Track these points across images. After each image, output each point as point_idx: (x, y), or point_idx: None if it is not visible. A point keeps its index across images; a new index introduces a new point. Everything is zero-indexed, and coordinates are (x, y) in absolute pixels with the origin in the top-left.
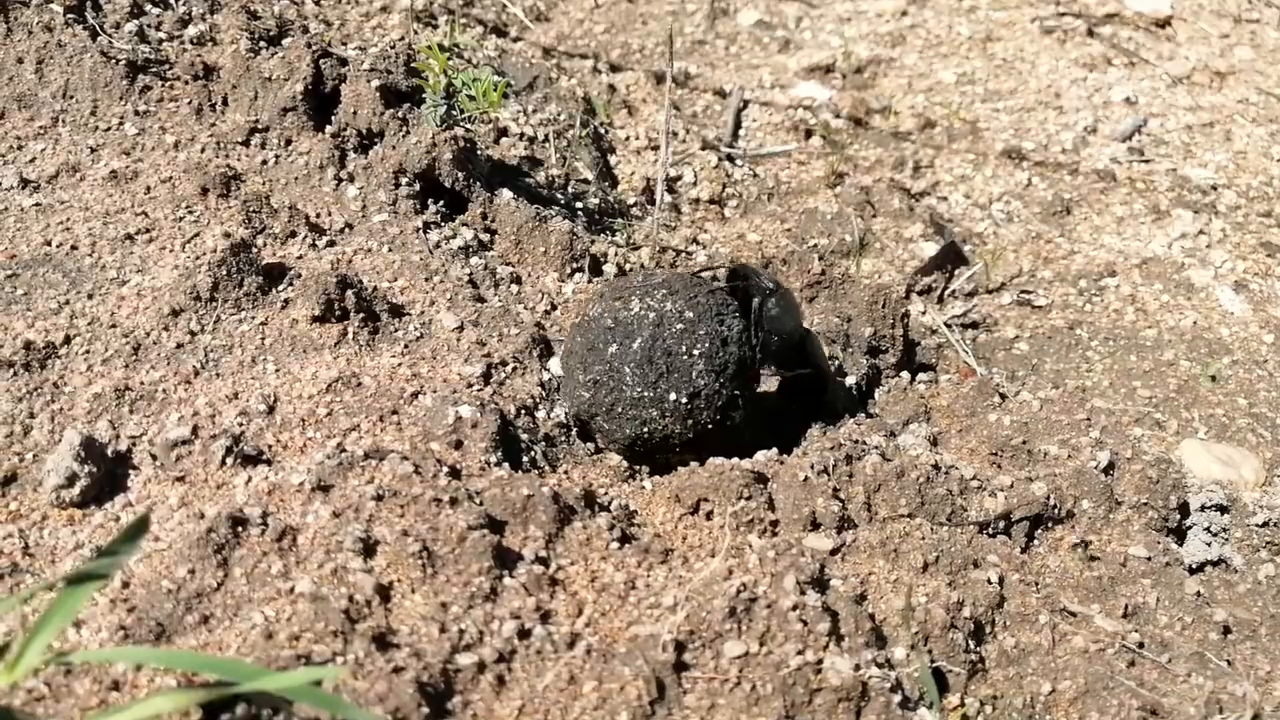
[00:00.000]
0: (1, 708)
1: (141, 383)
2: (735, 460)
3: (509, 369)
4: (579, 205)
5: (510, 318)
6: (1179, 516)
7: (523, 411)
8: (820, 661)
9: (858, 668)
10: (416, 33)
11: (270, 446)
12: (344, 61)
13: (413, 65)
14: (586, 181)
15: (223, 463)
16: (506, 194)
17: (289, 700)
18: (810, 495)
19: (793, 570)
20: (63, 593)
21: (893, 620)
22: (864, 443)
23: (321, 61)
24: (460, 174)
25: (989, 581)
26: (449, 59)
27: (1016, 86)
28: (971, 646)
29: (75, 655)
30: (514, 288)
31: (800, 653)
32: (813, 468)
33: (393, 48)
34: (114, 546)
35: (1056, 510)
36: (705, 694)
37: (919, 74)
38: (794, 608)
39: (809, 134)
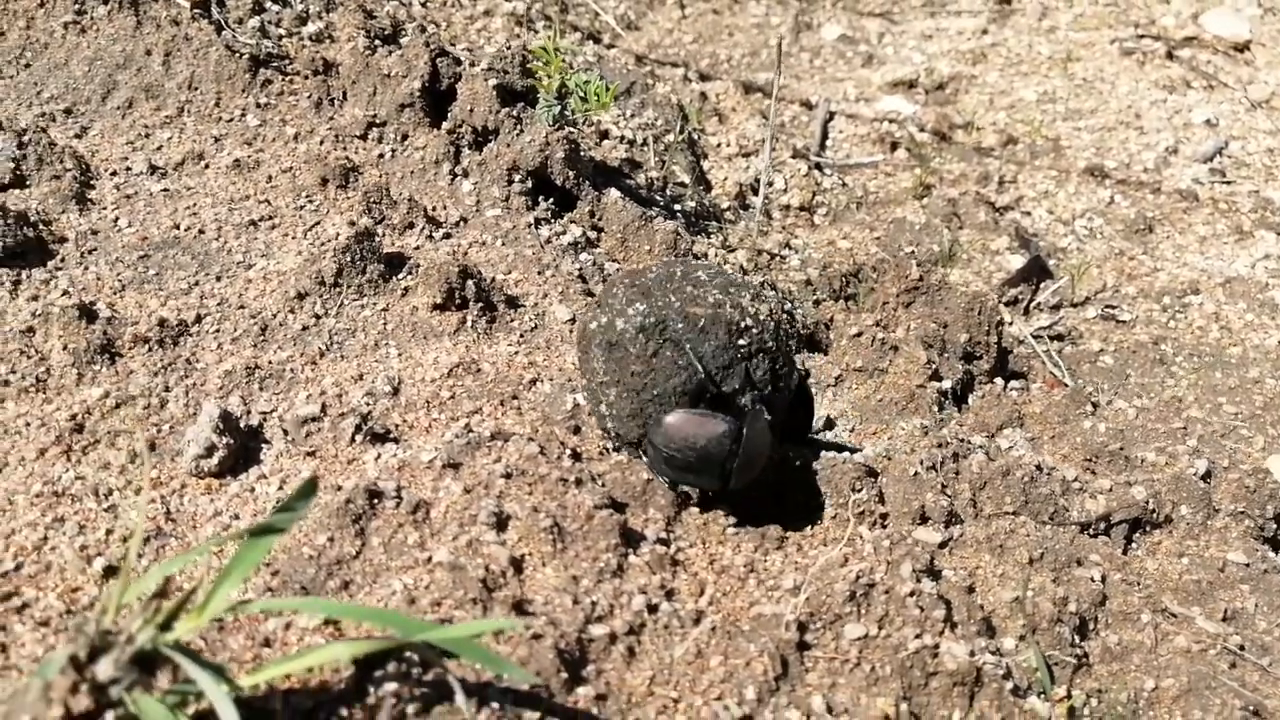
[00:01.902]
0: (188, 649)
1: (270, 361)
2: (847, 454)
3: None
4: (677, 207)
5: None
6: (1275, 526)
7: None
8: (937, 646)
9: (972, 654)
10: (519, 36)
11: (397, 426)
12: (459, 60)
13: (527, 66)
14: (683, 185)
15: (352, 439)
16: (615, 193)
17: (446, 655)
18: (920, 490)
19: (909, 559)
20: (244, 545)
21: (1001, 612)
22: (969, 442)
23: (438, 60)
24: (570, 173)
25: (1092, 579)
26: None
27: (1097, 106)
28: (1076, 641)
29: (256, 604)
30: None
31: (918, 636)
32: (922, 464)
33: (508, 48)
34: (289, 504)
35: (1155, 515)
36: (826, 672)
37: (1000, 91)
38: (911, 594)
39: (894, 146)
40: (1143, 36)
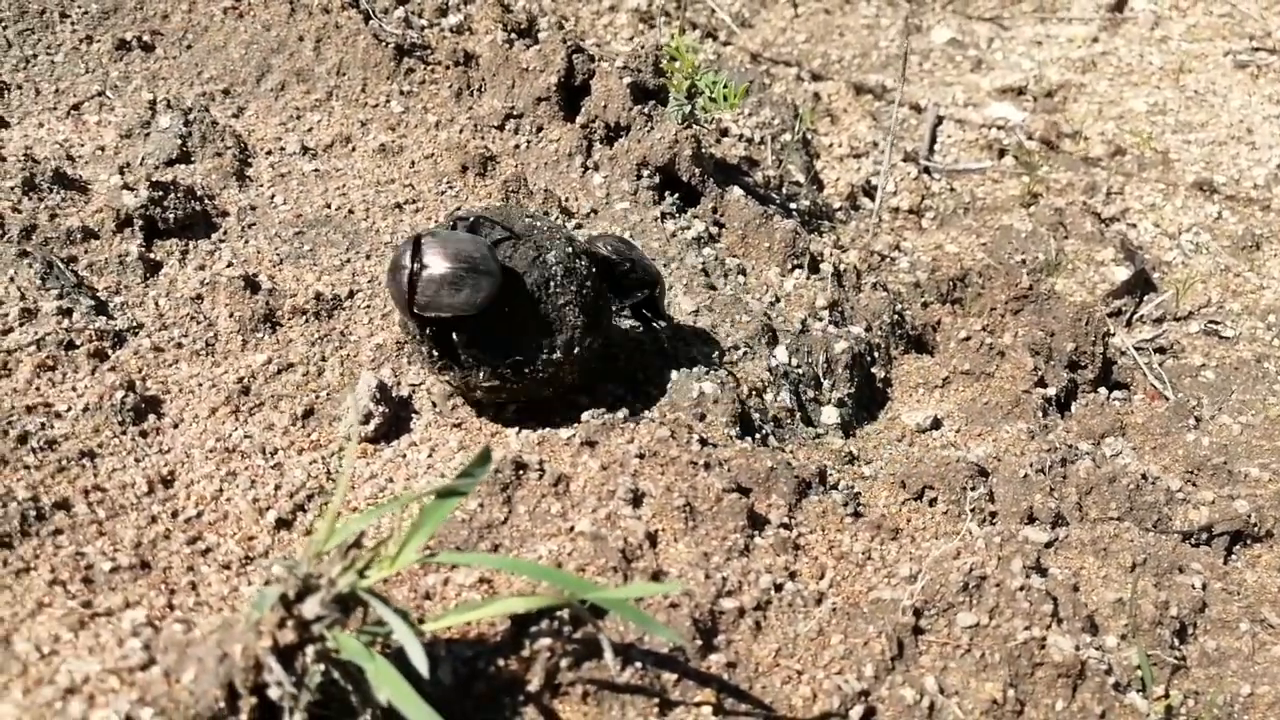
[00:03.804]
0: (380, 595)
1: None
2: (960, 454)
3: (740, 353)
4: (792, 205)
5: (740, 306)
6: None
7: (754, 393)
8: (1044, 639)
9: (1077, 648)
10: (642, 32)
11: (535, 403)
12: (593, 57)
13: (660, 66)
14: (798, 184)
15: (494, 415)
16: (737, 191)
17: (596, 615)
18: (1029, 491)
19: (1019, 555)
20: (431, 505)
21: (1104, 611)
22: (1076, 448)
23: (574, 56)
24: (696, 170)
25: (1193, 586)
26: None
27: (1208, 119)
28: (1175, 644)
29: (441, 556)
30: (740, 279)
31: (1027, 628)
32: (1031, 466)
33: (642, 48)
34: (468, 470)
35: (1256, 529)
36: (939, 657)
37: (1109, 101)
38: (1021, 588)
39: (1002, 153)
40: (1258, 49)
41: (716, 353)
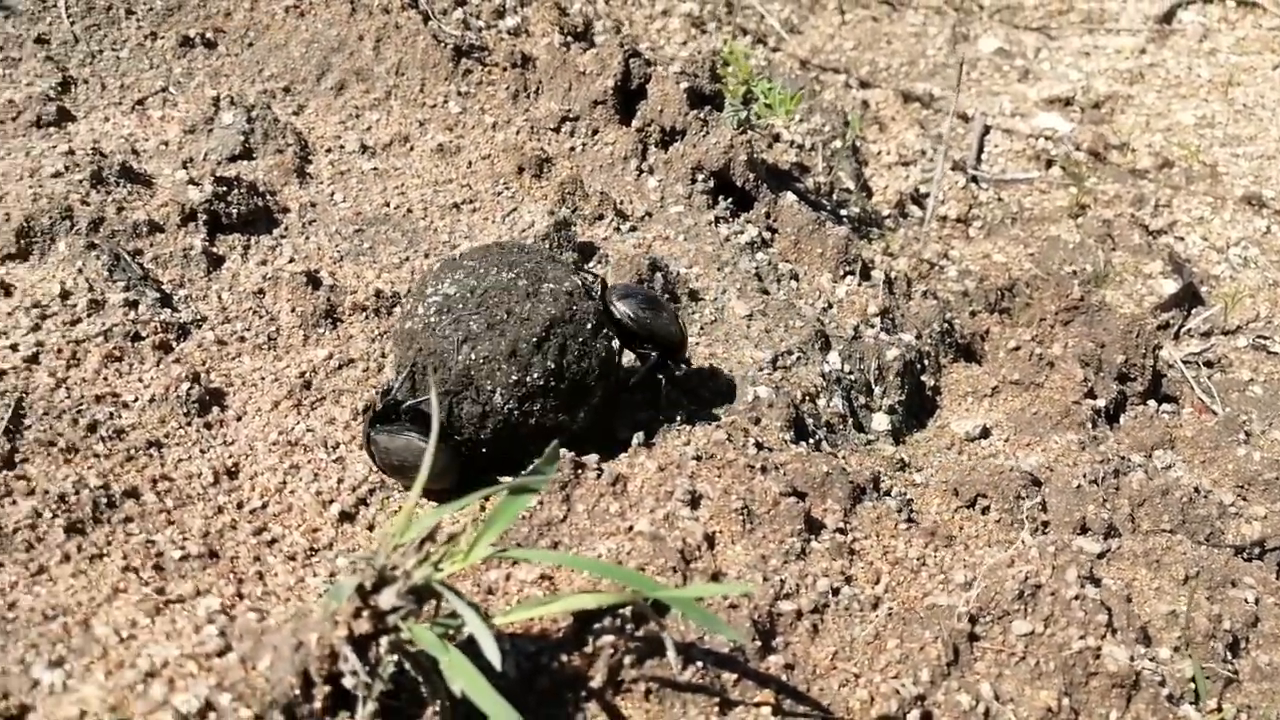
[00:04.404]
0: (453, 588)
1: None
2: (1013, 462)
3: (793, 358)
4: (843, 212)
5: (794, 311)
6: None
7: (807, 398)
8: (1099, 649)
9: (1132, 659)
10: (694, 38)
11: None
12: (649, 62)
13: (716, 72)
14: (848, 191)
15: None
16: (791, 197)
17: (663, 611)
18: (1082, 501)
19: (1074, 565)
20: (504, 501)
21: (1157, 623)
22: (1129, 460)
23: (631, 60)
24: (750, 175)
25: (1246, 601)
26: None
27: (1257, 133)
28: (1229, 657)
29: (511, 551)
30: (793, 284)
31: (1081, 638)
32: (1084, 477)
33: (699, 52)
34: (538, 468)
35: None
36: (994, 663)
37: (1157, 113)
38: (1076, 598)
39: (1049, 164)
40: None
41: (771, 356)
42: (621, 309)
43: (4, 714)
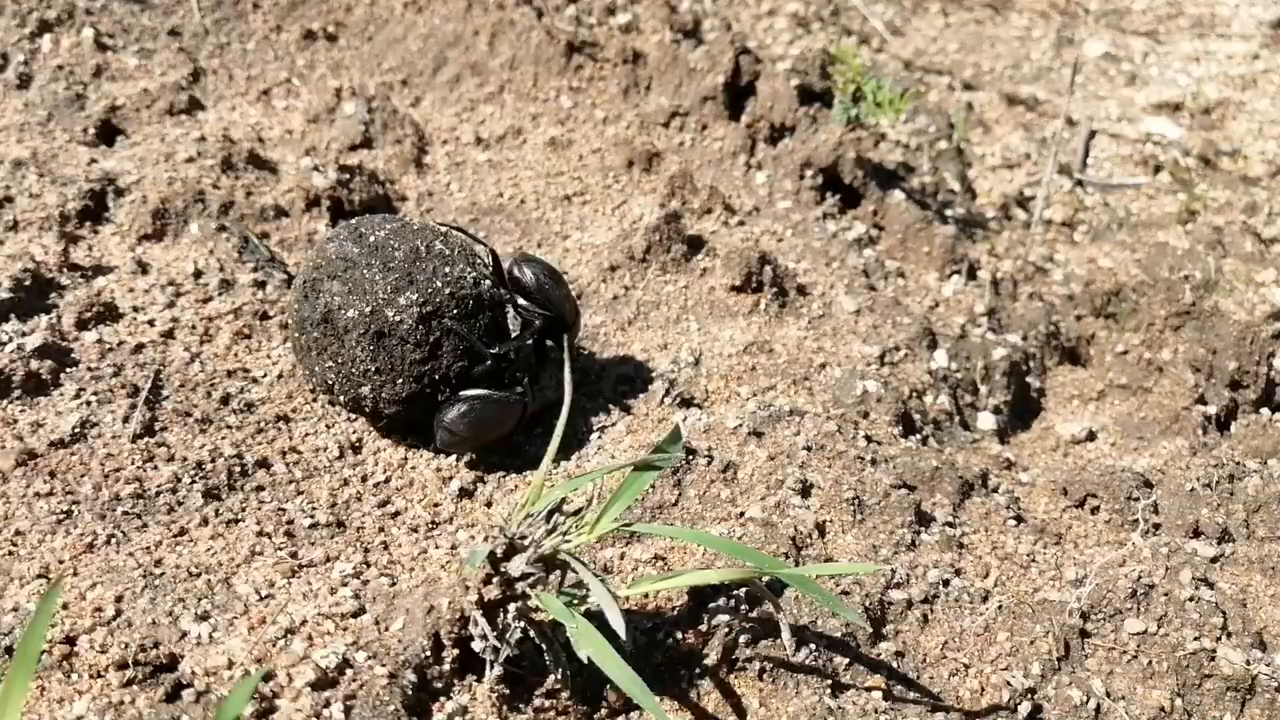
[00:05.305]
0: (580, 559)
1: (586, 324)
2: (1126, 464)
3: (901, 354)
4: (948, 213)
5: (901, 308)
6: None
7: (914, 394)
8: (1214, 651)
9: (1248, 662)
10: (800, 37)
11: (701, 393)
12: (759, 59)
13: (826, 69)
14: (953, 192)
15: (661, 401)
16: (899, 195)
17: (777, 593)
18: (1195, 505)
19: (1188, 566)
20: (630, 478)
21: (1272, 629)
22: (1244, 465)
23: (741, 57)
24: (859, 173)
25: None
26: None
27: None
28: None
29: (636, 526)
30: (900, 281)
31: (1196, 639)
32: (1198, 480)
33: (809, 50)
34: (663, 446)
35: None
36: (1105, 661)
37: (1270, 120)
38: (1190, 599)
39: (1157, 169)
40: None
41: (878, 352)
42: (528, 272)
43: (155, 661)
